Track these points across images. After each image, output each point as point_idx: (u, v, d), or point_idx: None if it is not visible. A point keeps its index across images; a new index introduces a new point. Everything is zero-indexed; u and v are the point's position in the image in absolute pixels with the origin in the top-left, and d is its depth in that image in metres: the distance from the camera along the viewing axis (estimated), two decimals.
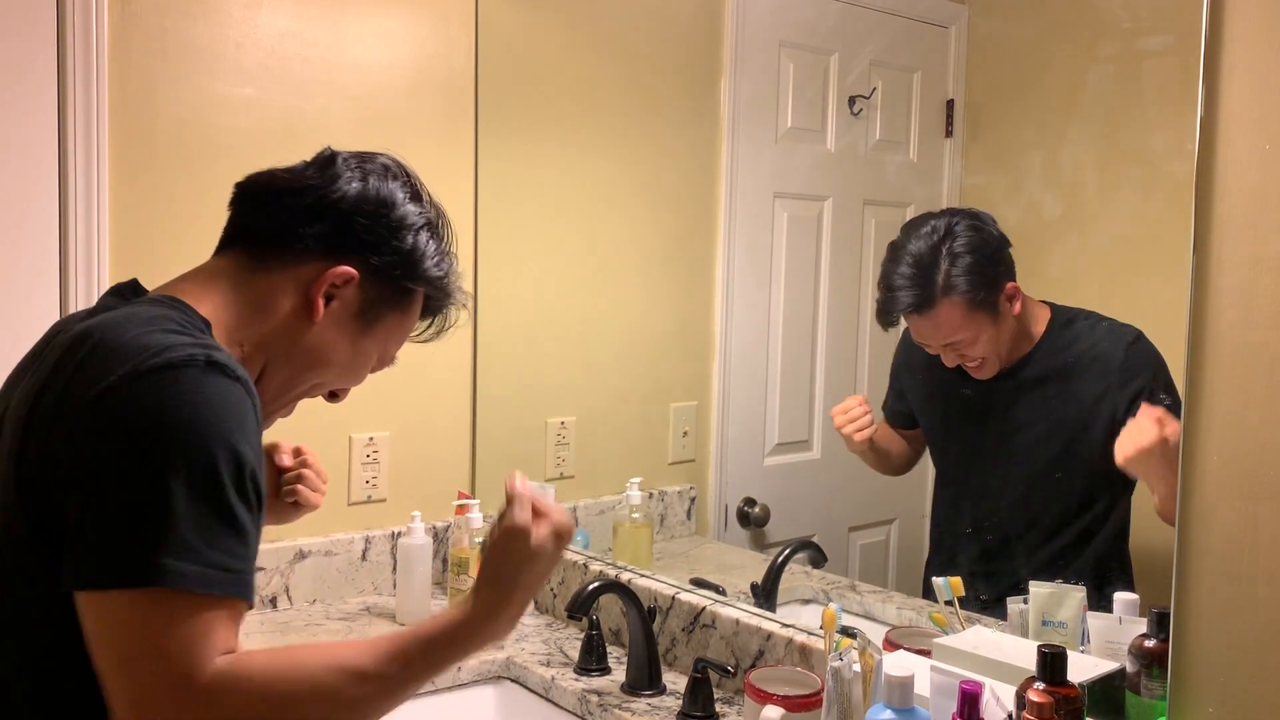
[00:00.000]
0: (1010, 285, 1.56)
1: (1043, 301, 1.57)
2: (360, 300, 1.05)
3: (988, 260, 1.56)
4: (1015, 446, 1.61)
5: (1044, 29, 1.74)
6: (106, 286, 1.72)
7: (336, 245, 1.03)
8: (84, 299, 1.68)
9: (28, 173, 1.64)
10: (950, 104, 1.93)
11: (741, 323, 2.19)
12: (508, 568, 0.97)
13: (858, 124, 2.07)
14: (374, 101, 2.02)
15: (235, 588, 0.83)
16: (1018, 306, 1.56)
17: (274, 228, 1.03)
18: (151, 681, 0.80)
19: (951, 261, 1.56)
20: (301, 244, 1.02)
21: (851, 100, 2.06)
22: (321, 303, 1.02)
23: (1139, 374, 1.46)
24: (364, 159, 1.08)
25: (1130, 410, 1.41)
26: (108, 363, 0.86)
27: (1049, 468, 1.56)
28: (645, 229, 2.25)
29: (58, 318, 1.69)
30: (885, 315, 1.65)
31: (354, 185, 1.04)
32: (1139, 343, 1.48)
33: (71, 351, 0.89)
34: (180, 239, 1.80)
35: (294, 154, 2.04)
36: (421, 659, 0.93)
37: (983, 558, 1.63)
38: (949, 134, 1.93)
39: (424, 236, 1.07)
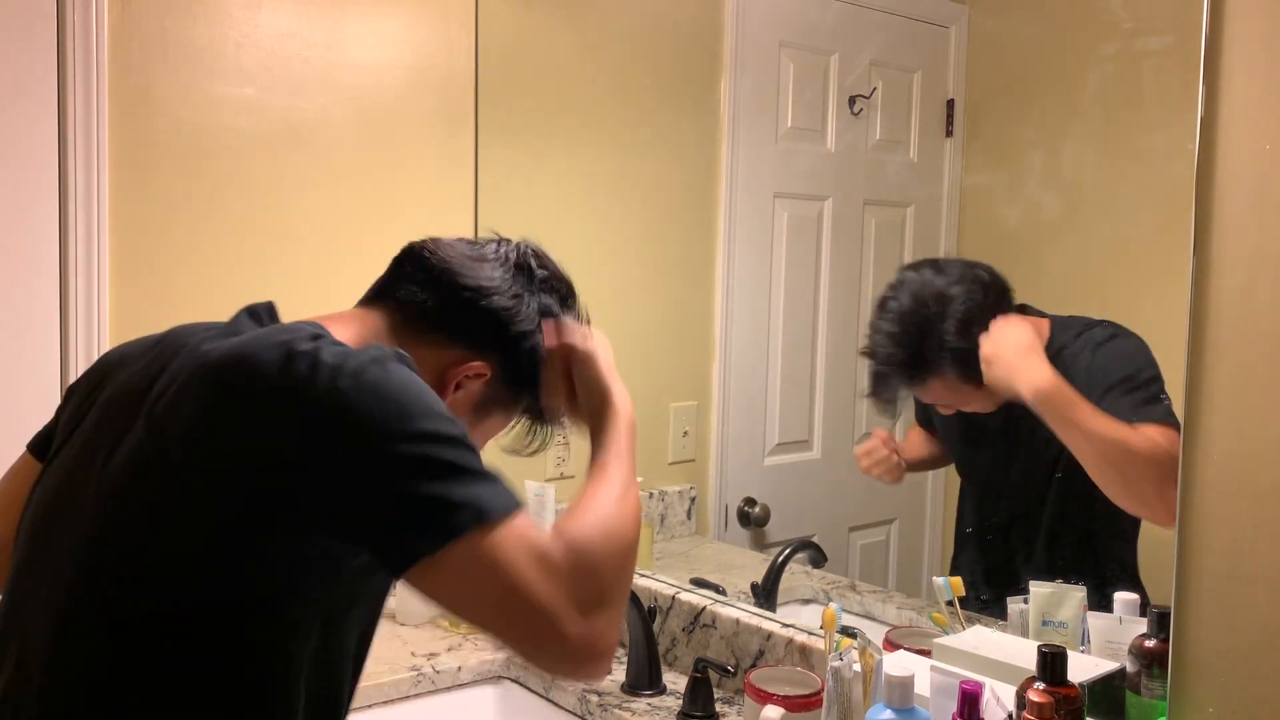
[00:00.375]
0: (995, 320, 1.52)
1: (1044, 315, 1.52)
2: (482, 395, 1.08)
3: (972, 325, 1.51)
4: (1013, 443, 1.60)
5: (1044, 29, 1.74)
6: (107, 286, 1.72)
7: (483, 338, 1.06)
8: (84, 299, 1.68)
9: (28, 173, 1.64)
10: (950, 104, 1.93)
11: (741, 323, 2.19)
12: (594, 376, 1.18)
13: (858, 124, 2.07)
14: (374, 101, 2.02)
15: (511, 497, 0.89)
16: None
17: (437, 309, 1.05)
18: (529, 605, 0.85)
19: (940, 344, 1.53)
20: (457, 331, 1.05)
21: (851, 100, 2.06)
22: (451, 388, 1.05)
23: (1105, 377, 1.43)
24: (551, 280, 1.15)
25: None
26: (317, 369, 0.88)
27: (1050, 465, 1.55)
28: (645, 229, 2.25)
29: (58, 318, 1.69)
30: (878, 391, 1.65)
31: (531, 302, 1.10)
32: (1107, 345, 1.45)
33: (235, 367, 0.91)
34: (180, 239, 1.80)
35: (294, 154, 2.05)
36: (629, 452, 1.14)
37: (982, 558, 1.63)
38: (949, 134, 1.93)
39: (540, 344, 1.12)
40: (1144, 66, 1.57)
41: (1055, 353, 1.47)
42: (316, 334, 0.92)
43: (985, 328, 1.50)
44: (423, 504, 0.84)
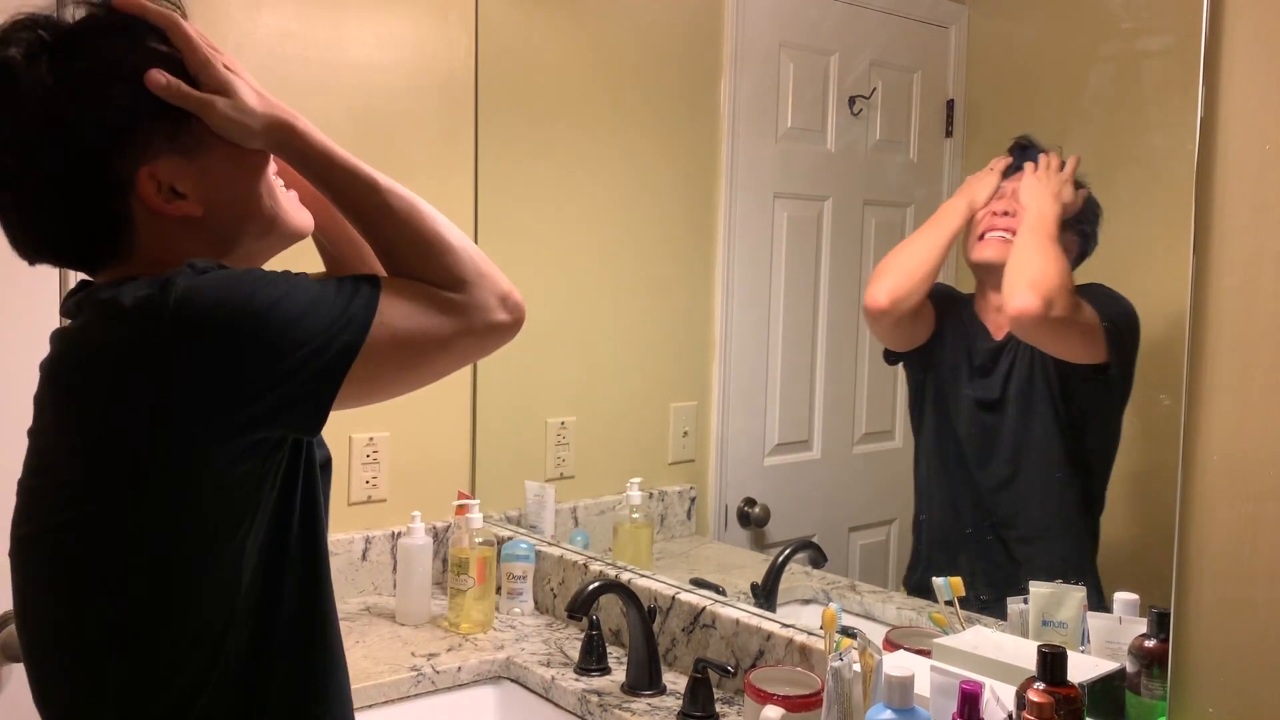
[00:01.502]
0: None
1: None
2: (172, 155, 0.93)
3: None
4: (1013, 441, 1.60)
5: (1044, 29, 1.74)
6: None
7: (118, 177, 0.91)
8: None
9: None
10: (950, 104, 1.93)
11: (741, 323, 2.19)
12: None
13: (858, 124, 2.07)
14: (374, 101, 2.02)
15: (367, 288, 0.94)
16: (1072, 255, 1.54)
17: (95, 251, 0.96)
18: (449, 338, 0.96)
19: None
20: (119, 221, 0.93)
21: (851, 100, 2.06)
22: (183, 207, 0.93)
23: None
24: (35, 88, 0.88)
25: None
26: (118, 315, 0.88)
27: (1045, 465, 1.56)
28: (645, 229, 2.25)
29: (57, 318, 1.69)
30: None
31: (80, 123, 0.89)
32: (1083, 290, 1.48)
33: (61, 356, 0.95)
34: None
35: None
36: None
37: (982, 557, 1.63)
38: (949, 134, 1.93)
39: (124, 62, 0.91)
40: (1144, 66, 1.57)
41: None
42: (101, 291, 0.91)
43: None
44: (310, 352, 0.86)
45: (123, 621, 0.89)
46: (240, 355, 0.85)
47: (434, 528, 2.07)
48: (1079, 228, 1.55)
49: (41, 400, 0.95)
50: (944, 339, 1.71)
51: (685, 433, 2.23)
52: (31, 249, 0.98)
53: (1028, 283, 1.46)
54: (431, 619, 1.96)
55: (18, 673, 1.65)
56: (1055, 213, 1.52)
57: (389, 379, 0.94)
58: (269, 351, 0.85)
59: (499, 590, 2.00)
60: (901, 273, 1.70)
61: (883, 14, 2.06)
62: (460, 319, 0.96)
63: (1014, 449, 1.60)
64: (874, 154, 2.08)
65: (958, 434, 1.69)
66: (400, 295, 0.93)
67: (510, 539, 2.04)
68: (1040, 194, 1.56)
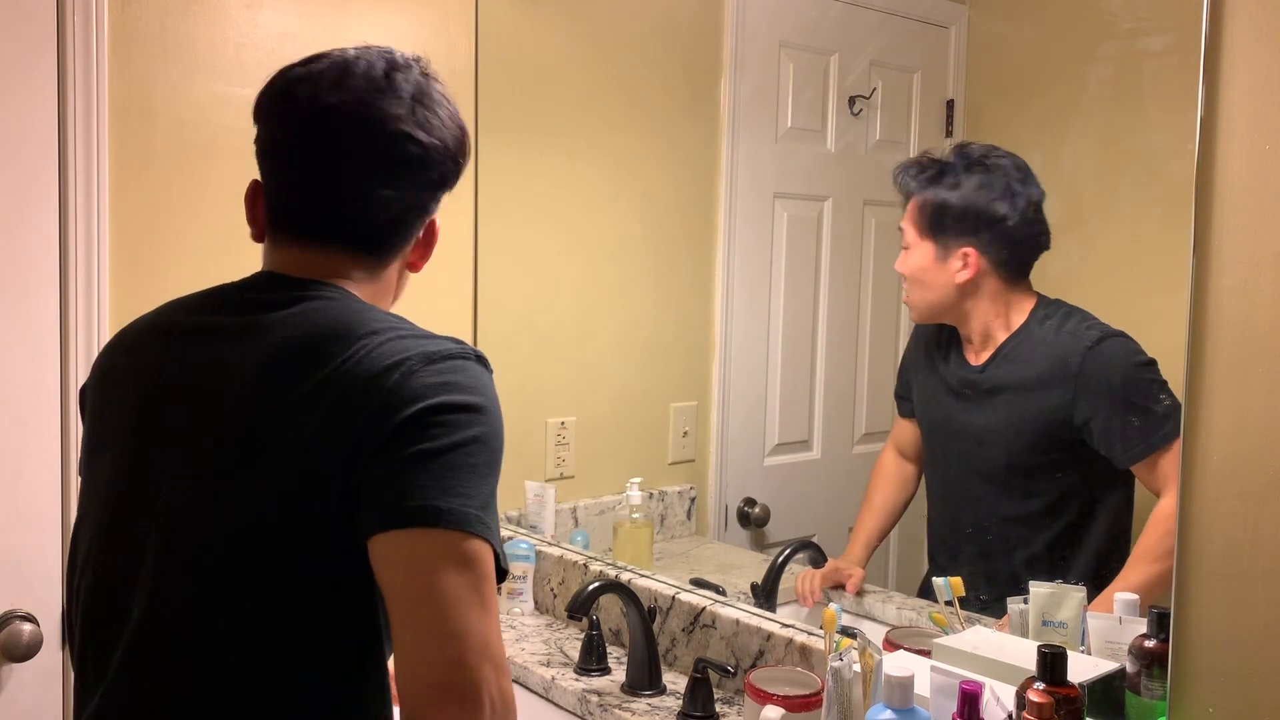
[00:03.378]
0: (967, 249, 1.55)
1: (1034, 293, 1.56)
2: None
3: (973, 199, 1.56)
4: (1013, 444, 1.60)
5: (1044, 29, 1.74)
6: (107, 286, 1.71)
7: (432, 204, 1.09)
8: (84, 300, 1.68)
9: (28, 173, 1.64)
10: (950, 104, 1.93)
11: (741, 323, 2.19)
12: None
13: (858, 124, 2.07)
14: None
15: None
16: (962, 276, 1.56)
17: (384, 234, 1.06)
18: (473, 642, 0.88)
19: (939, 175, 1.59)
20: (413, 233, 1.08)
21: (851, 100, 2.06)
22: (425, 260, 1.12)
23: (1097, 383, 1.45)
24: (420, 106, 1.05)
25: (1103, 420, 1.43)
26: (387, 356, 0.93)
27: (1030, 469, 1.56)
28: (645, 229, 2.25)
29: (58, 318, 1.69)
30: (898, 183, 1.68)
31: (438, 144, 1.05)
32: (1098, 347, 1.46)
33: (316, 349, 0.94)
34: (181, 238, 1.80)
35: None
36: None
37: (982, 558, 1.63)
38: (949, 134, 1.93)
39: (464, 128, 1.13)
40: (1144, 66, 1.57)
41: (1039, 322, 1.53)
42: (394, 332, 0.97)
43: (972, 221, 1.55)
44: (455, 488, 0.89)
45: None
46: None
47: None
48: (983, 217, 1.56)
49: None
50: (929, 371, 1.72)
51: (685, 433, 2.23)
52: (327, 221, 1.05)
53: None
54: None
55: (18, 672, 1.65)
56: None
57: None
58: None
59: (499, 590, 2.00)
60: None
61: (883, 14, 2.06)
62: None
63: (1008, 453, 1.61)
64: (874, 154, 2.08)
65: (954, 439, 1.69)
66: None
67: (510, 539, 2.04)
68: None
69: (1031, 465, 1.56)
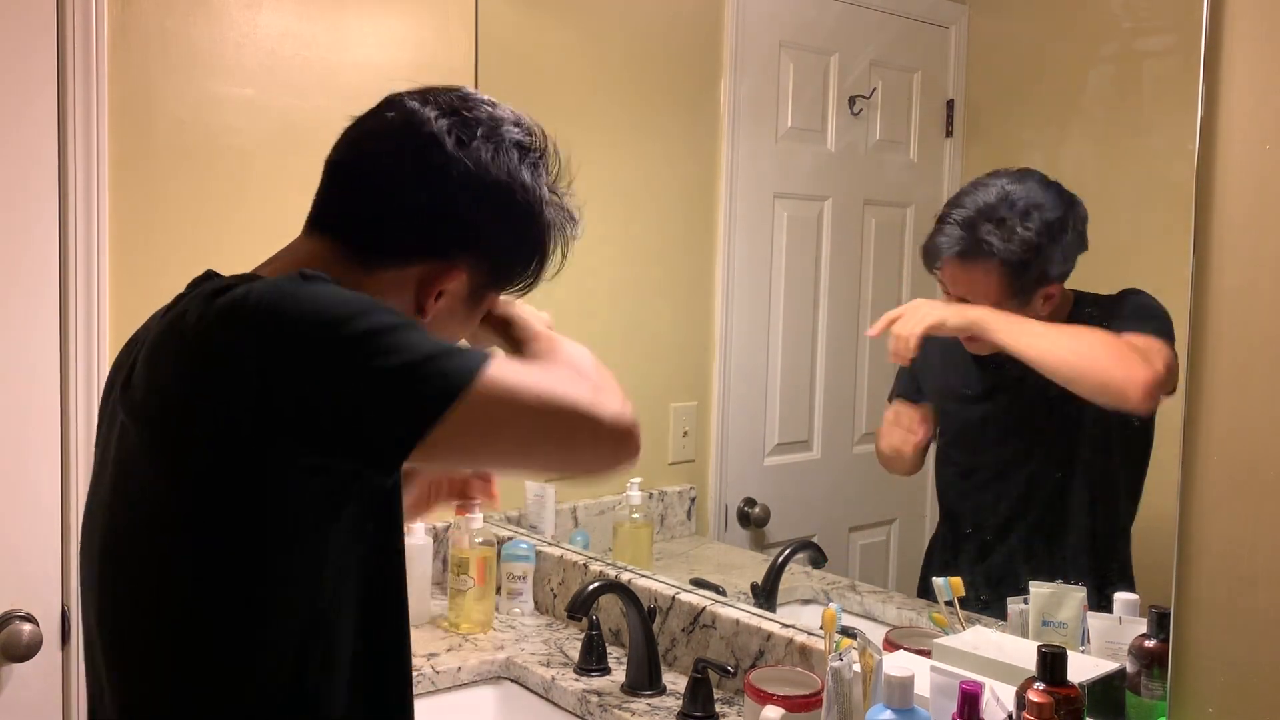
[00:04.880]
0: (1053, 288, 1.51)
1: (1071, 290, 1.53)
2: (470, 287, 1.01)
3: (1048, 246, 1.51)
4: (1014, 443, 1.60)
5: (1044, 29, 1.74)
6: (107, 287, 1.72)
7: (448, 243, 0.98)
8: (84, 299, 1.68)
9: (28, 173, 1.64)
10: (950, 104, 1.93)
11: (741, 323, 2.19)
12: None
13: (858, 124, 2.07)
14: (374, 102, 2.01)
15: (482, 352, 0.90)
16: (1048, 309, 1.52)
17: (380, 231, 0.97)
18: (560, 405, 0.89)
19: (1010, 231, 1.51)
20: (412, 249, 0.98)
21: (851, 100, 2.06)
22: (431, 304, 0.99)
23: (1124, 312, 1.44)
24: (467, 125, 0.99)
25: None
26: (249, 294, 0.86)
27: (1050, 467, 1.55)
28: (645, 229, 2.25)
29: (57, 318, 1.69)
30: (928, 256, 1.62)
31: (468, 175, 0.97)
32: (1128, 293, 1.45)
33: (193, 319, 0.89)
34: (180, 239, 1.80)
35: (294, 154, 2.05)
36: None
37: (982, 557, 1.63)
38: (949, 134, 1.93)
39: (545, 221, 1.05)
40: (1144, 66, 1.57)
41: (1077, 319, 1.51)
42: (237, 278, 0.92)
43: (1064, 255, 1.51)
44: (413, 374, 0.83)
45: None
46: None
47: (434, 528, 2.07)
48: (1052, 249, 1.52)
49: None
50: (939, 363, 1.71)
51: (685, 433, 2.23)
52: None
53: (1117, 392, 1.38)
54: (431, 619, 1.96)
55: (18, 672, 1.65)
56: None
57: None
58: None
59: (499, 590, 2.00)
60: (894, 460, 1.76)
61: (883, 14, 2.06)
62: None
63: (1016, 451, 1.61)
64: (874, 154, 2.08)
65: (961, 438, 1.69)
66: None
67: (510, 539, 2.04)
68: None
69: (1034, 463, 1.56)
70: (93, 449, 1.07)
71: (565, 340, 1.06)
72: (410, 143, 0.98)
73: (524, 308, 1.13)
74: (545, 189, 1.04)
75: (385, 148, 0.99)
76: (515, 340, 1.08)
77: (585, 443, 0.90)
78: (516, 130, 1.03)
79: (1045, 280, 1.51)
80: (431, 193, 0.97)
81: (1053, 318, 1.52)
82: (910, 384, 1.77)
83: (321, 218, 1.00)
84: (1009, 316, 1.48)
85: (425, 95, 1.03)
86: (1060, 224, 1.51)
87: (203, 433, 0.84)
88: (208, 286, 0.90)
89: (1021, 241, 1.50)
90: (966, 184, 1.61)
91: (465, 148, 0.98)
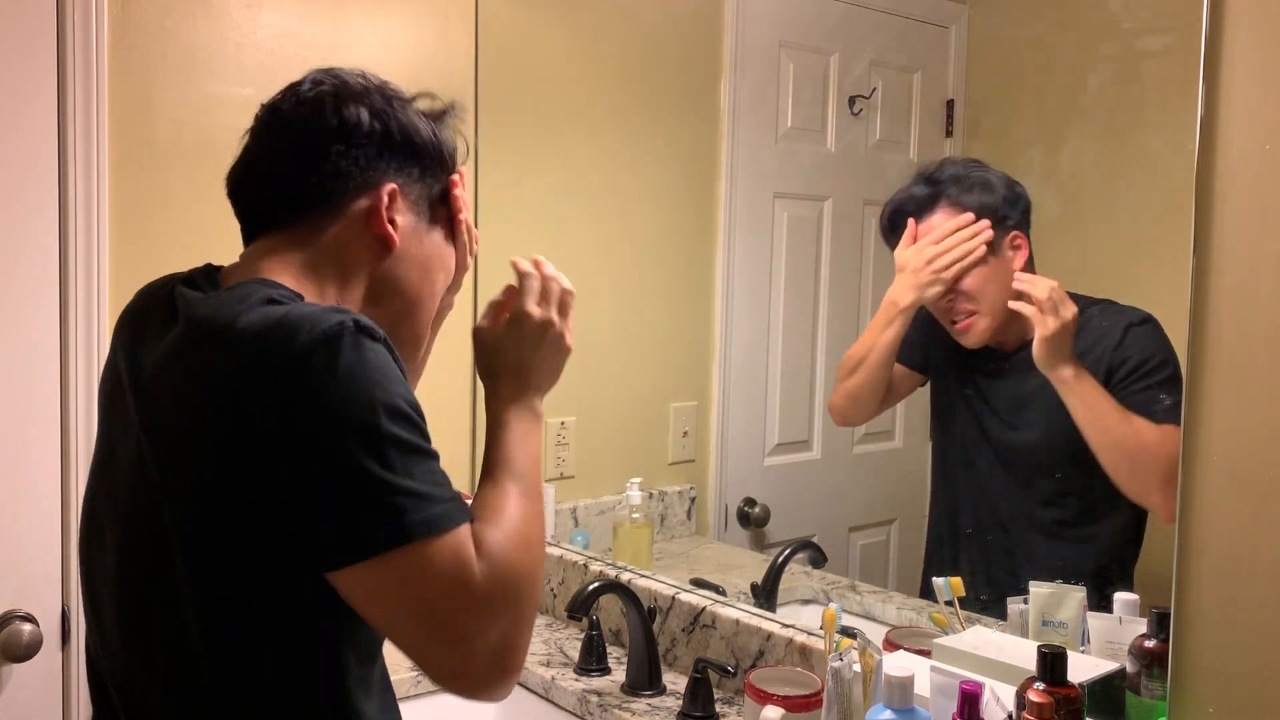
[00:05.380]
0: (1017, 233, 1.55)
1: (1069, 291, 1.52)
2: (410, 195, 1.05)
3: (1000, 189, 1.57)
4: (1016, 444, 1.60)
5: (1044, 29, 1.74)
6: (107, 286, 1.71)
7: (365, 175, 1.01)
8: (84, 299, 1.68)
9: (28, 173, 1.64)
10: (950, 104, 1.93)
11: (741, 323, 2.19)
12: (526, 354, 1.11)
13: (858, 124, 2.07)
14: None
15: (463, 509, 0.89)
16: (1019, 260, 1.54)
17: (299, 194, 1.01)
18: (444, 622, 0.86)
19: (962, 174, 1.59)
20: (337, 194, 1.01)
21: (851, 100, 2.06)
22: (390, 230, 1.02)
23: (1133, 354, 1.44)
24: (297, 88, 1.05)
25: (1114, 382, 1.42)
26: (256, 342, 0.86)
27: (1050, 466, 1.55)
28: (645, 229, 2.25)
29: (57, 318, 1.69)
30: (887, 224, 1.66)
31: (350, 118, 1.02)
32: (1145, 325, 1.44)
33: (197, 343, 0.90)
34: (180, 239, 1.80)
35: None
36: (527, 459, 1.04)
37: (983, 558, 1.63)
38: (949, 134, 1.93)
39: (429, 125, 1.07)
40: (1144, 66, 1.57)
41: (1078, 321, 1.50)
42: (271, 297, 0.91)
43: (1019, 215, 1.56)
44: (380, 503, 0.83)
45: None
46: None
47: None
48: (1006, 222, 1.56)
49: None
50: (941, 358, 1.71)
51: (685, 433, 2.23)
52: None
53: (1161, 495, 1.31)
54: None
55: (18, 672, 1.65)
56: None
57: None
58: None
59: None
60: (849, 400, 1.78)
61: (883, 14, 2.06)
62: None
63: (1014, 450, 1.60)
64: (874, 154, 2.08)
65: (965, 437, 1.69)
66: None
67: None
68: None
69: (1036, 462, 1.55)
70: (93, 449, 1.07)
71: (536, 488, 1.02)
72: (273, 123, 1.05)
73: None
74: (395, 91, 1.08)
75: (261, 145, 1.06)
76: (493, 450, 1.05)
77: (450, 677, 0.88)
78: (348, 74, 1.07)
79: (1008, 224, 1.56)
80: (311, 136, 1.01)
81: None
82: (917, 354, 1.75)
83: (254, 224, 1.05)
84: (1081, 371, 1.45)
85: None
86: (1009, 179, 1.59)
87: (215, 459, 0.86)
88: (255, 308, 0.89)
89: (979, 181, 1.58)
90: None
91: (314, 92, 1.03)
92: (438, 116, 1.10)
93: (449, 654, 0.86)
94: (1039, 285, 1.47)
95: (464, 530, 0.87)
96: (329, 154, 1.00)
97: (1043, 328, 1.44)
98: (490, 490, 0.98)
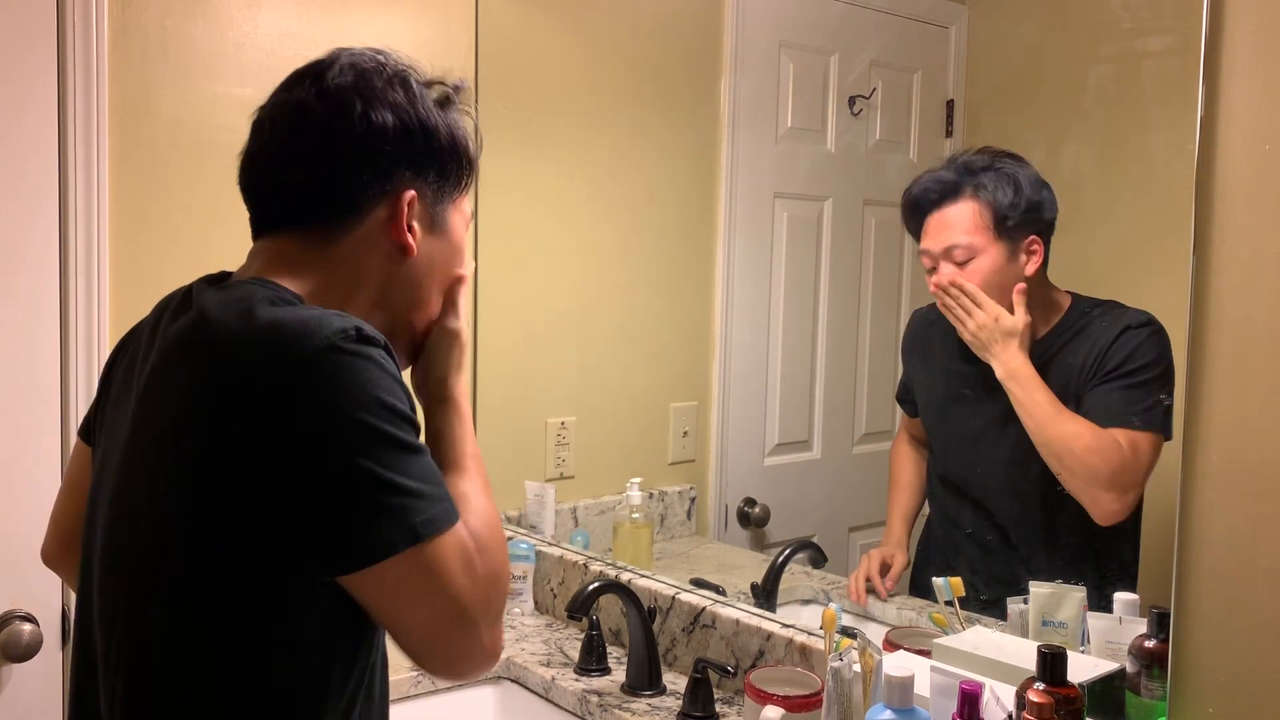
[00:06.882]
0: (1034, 238, 1.54)
1: (1068, 292, 1.55)
2: (426, 199, 1.03)
3: (1026, 190, 1.55)
4: (1013, 443, 1.60)
5: (1044, 29, 1.74)
6: (107, 286, 1.72)
7: (385, 183, 1.00)
8: (84, 299, 1.68)
9: (28, 173, 1.64)
10: (950, 104, 1.93)
11: (741, 323, 2.19)
12: (447, 366, 1.09)
13: (858, 124, 2.07)
14: None
15: (454, 508, 0.91)
16: (1031, 266, 1.54)
17: (320, 201, 0.99)
18: (461, 612, 0.89)
19: (992, 167, 1.57)
20: (357, 202, 0.99)
21: (851, 100, 2.06)
22: (410, 239, 1.01)
23: (1117, 354, 1.44)
24: (320, 78, 1.00)
25: (1088, 378, 1.45)
26: (259, 348, 0.86)
27: (1034, 465, 1.55)
28: (645, 229, 2.25)
29: (58, 318, 1.69)
30: (916, 206, 1.65)
31: (376, 123, 0.99)
32: (1142, 328, 1.44)
33: (198, 343, 0.90)
34: (180, 239, 1.80)
35: None
36: (469, 445, 1.06)
37: (982, 558, 1.62)
38: (949, 134, 1.93)
39: (446, 121, 1.05)
40: (1144, 66, 1.57)
41: (1073, 320, 1.52)
42: (273, 299, 0.92)
43: (1037, 211, 1.55)
44: (389, 505, 0.84)
45: None
46: None
47: None
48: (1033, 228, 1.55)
49: None
50: (928, 364, 1.71)
51: (685, 433, 2.23)
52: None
53: (1091, 498, 1.44)
54: None
55: (18, 672, 1.65)
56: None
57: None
58: None
59: None
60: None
61: (883, 14, 2.06)
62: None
63: (1014, 451, 1.60)
64: (874, 154, 2.08)
65: (964, 437, 1.69)
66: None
67: (510, 539, 2.04)
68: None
69: (1036, 461, 1.55)
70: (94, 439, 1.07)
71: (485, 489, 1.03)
72: (295, 116, 1.00)
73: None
74: (415, 82, 1.03)
75: (280, 138, 1.01)
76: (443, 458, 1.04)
77: (465, 656, 0.92)
78: (369, 61, 1.03)
79: (1027, 227, 1.55)
80: (335, 140, 0.98)
81: (1038, 299, 1.53)
82: (904, 391, 1.79)
83: (267, 222, 1.02)
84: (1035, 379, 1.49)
85: (283, 85, 1.04)
86: (1040, 181, 1.57)
87: (215, 460, 0.86)
88: (259, 307, 0.89)
89: (1010, 178, 1.56)
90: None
91: (336, 84, 0.99)
92: (446, 102, 1.07)
93: (460, 640, 0.89)
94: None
95: (461, 523, 0.90)
96: (353, 162, 0.98)
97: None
98: (453, 479, 0.99)
